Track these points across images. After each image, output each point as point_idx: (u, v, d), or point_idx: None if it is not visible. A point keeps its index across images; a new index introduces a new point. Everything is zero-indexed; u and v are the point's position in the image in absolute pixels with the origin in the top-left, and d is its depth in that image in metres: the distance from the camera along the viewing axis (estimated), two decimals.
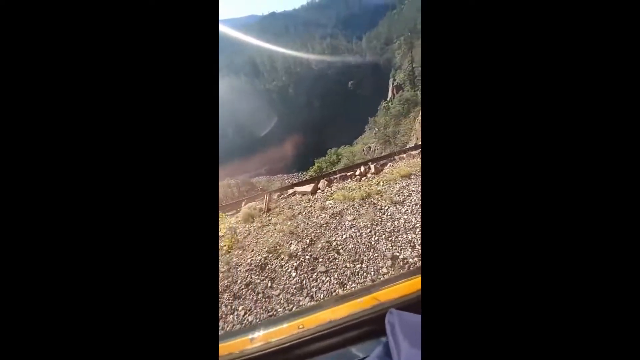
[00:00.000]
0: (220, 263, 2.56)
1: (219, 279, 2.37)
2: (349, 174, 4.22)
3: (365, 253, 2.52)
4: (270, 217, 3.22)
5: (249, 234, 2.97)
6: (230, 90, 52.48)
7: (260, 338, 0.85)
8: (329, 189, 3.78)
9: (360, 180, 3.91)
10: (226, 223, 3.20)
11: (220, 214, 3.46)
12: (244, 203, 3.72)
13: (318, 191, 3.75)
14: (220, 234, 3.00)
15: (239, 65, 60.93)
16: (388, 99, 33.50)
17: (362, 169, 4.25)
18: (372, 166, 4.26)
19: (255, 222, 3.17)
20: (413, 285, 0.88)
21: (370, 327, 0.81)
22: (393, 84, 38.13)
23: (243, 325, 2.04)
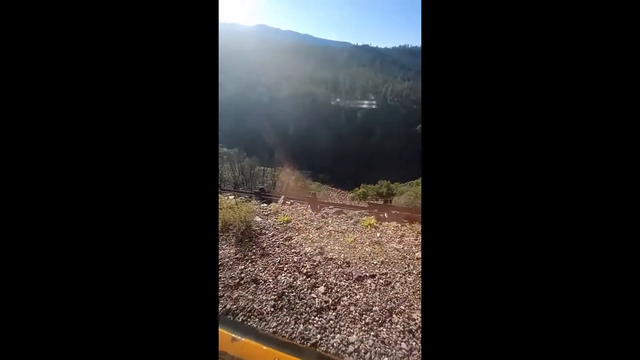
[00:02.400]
0: None
1: None
2: None
3: None
4: None
5: None
6: (306, 95, 57.14)
7: (240, 344, 0.86)
8: None
9: None
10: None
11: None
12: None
13: None
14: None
15: (322, 78, 66.25)
16: None
17: None
18: None
19: None
20: None
21: None
22: None
23: None
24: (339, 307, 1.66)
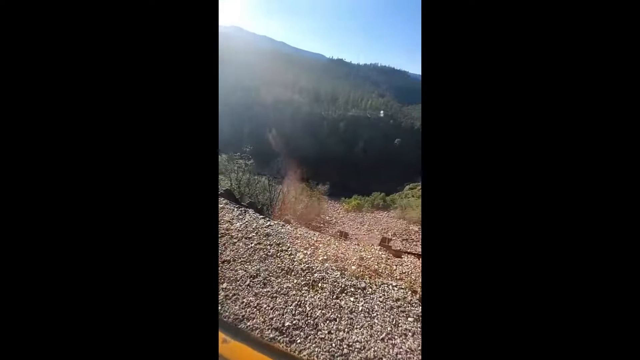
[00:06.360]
0: None
1: None
2: None
3: None
4: None
5: None
6: (288, 102, 56.03)
7: (231, 346, 0.84)
8: None
9: None
10: None
11: None
12: None
13: None
14: None
15: (304, 87, 66.08)
16: None
17: None
18: None
19: None
20: None
21: None
22: None
23: None
24: None
